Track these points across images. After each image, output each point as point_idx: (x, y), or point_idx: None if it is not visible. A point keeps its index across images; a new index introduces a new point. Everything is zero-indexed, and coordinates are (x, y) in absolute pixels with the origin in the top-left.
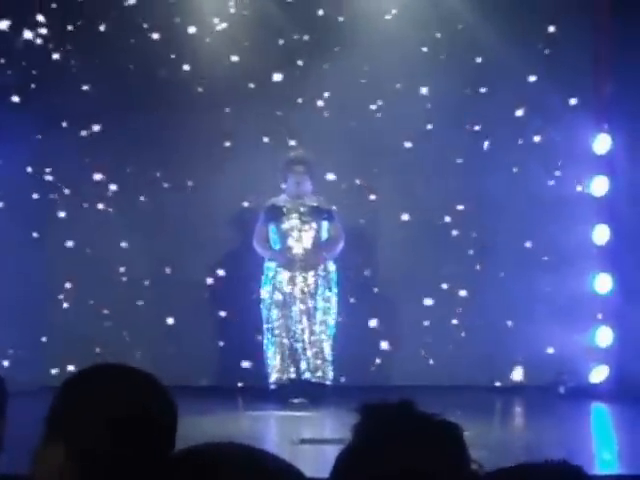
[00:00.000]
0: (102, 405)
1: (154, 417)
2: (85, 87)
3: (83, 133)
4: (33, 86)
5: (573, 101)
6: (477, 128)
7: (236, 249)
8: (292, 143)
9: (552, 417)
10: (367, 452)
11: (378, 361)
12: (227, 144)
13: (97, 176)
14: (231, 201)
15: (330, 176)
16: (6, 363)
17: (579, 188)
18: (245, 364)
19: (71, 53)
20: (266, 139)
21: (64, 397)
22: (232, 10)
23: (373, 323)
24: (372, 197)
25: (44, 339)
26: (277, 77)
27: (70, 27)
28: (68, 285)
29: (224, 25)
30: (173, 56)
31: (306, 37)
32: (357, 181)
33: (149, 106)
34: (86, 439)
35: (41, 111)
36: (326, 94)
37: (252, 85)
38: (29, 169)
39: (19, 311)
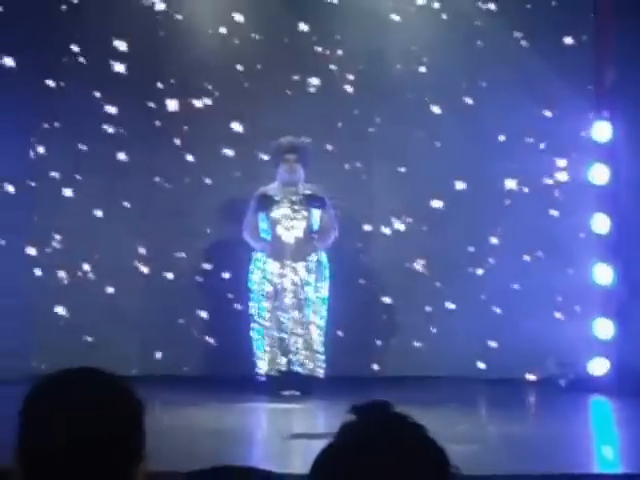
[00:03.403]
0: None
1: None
2: None
3: None
4: None
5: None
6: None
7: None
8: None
9: (552, 411)
10: (343, 453)
11: (369, 352)
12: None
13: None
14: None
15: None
16: None
17: (578, 178)
18: (233, 355)
19: None
20: None
21: (25, 415)
22: None
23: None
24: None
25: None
26: None
27: None
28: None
29: None
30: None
31: None
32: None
33: None
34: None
35: None
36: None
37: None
38: None
39: None
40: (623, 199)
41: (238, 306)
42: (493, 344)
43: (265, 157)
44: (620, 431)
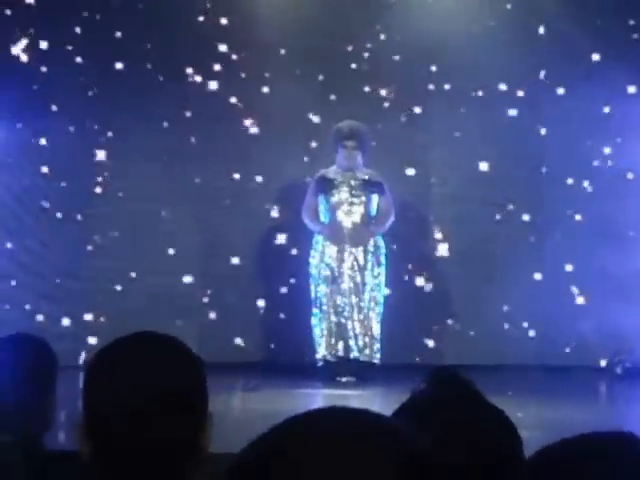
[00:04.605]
0: (122, 395)
1: (181, 398)
2: None
3: None
4: None
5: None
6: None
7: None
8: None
9: (608, 398)
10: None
11: (426, 339)
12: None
13: None
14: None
15: None
16: None
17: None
18: (293, 340)
19: None
20: None
21: (86, 383)
22: None
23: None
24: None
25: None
26: None
27: None
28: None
29: None
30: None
31: None
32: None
33: None
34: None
35: None
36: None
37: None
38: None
39: None
40: None
41: (300, 291)
42: (550, 331)
43: None
44: None
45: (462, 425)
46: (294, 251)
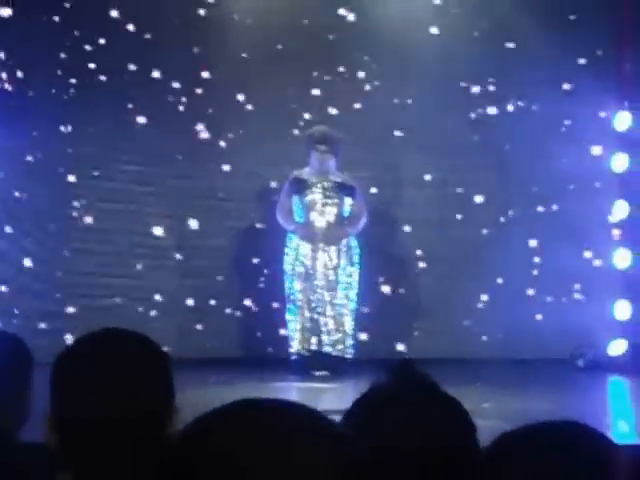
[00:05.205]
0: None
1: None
2: None
3: None
4: None
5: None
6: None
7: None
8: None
9: (570, 389)
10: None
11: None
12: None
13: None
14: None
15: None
16: None
17: (600, 166)
18: (267, 335)
19: None
20: None
21: (52, 378)
22: None
23: (386, 289)
24: None
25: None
26: None
27: None
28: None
29: None
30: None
31: None
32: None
33: None
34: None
35: None
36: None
37: None
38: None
39: None
40: None
41: (274, 287)
42: (515, 325)
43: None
44: (636, 407)
45: (417, 415)
46: (269, 247)
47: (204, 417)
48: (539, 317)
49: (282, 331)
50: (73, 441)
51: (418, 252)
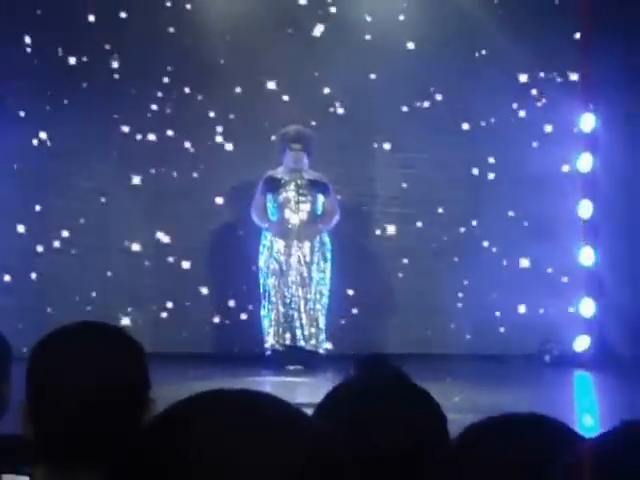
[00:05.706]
0: (68, 383)
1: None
2: None
3: None
4: None
5: (560, 80)
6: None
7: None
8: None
9: (537, 384)
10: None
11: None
12: None
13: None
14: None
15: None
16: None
17: (565, 167)
18: (240, 330)
19: None
20: None
21: (29, 370)
22: None
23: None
24: None
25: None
26: None
27: None
28: None
29: None
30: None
31: None
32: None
33: None
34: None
35: None
36: None
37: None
38: None
39: None
40: (605, 186)
41: (247, 283)
42: (481, 321)
43: None
44: (600, 401)
45: (388, 407)
46: (244, 243)
47: (171, 408)
48: (507, 314)
49: (256, 326)
50: (49, 432)
51: (391, 249)
